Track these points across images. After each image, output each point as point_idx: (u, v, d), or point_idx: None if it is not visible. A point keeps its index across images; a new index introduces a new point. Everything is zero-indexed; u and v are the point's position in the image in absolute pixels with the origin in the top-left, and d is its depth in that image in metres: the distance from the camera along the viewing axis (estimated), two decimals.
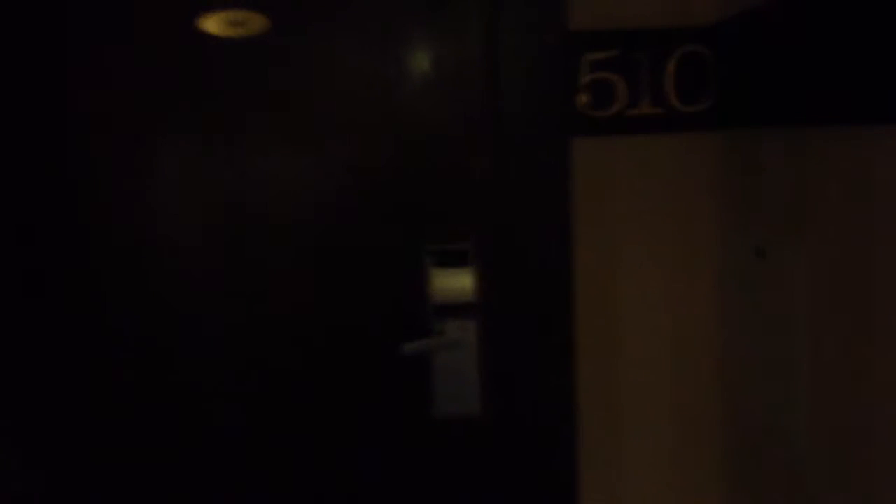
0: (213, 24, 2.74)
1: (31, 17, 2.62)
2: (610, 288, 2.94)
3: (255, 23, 2.74)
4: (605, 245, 2.95)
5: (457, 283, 2.86)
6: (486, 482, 2.73)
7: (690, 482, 2.86)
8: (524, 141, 2.85)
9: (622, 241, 2.96)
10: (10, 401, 2.63)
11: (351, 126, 2.77)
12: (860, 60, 1.81)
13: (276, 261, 2.66)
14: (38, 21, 2.53)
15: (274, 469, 2.67)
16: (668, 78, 2.95)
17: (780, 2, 2.45)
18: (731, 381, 2.79)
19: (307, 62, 2.70)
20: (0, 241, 2.58)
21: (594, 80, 2.93)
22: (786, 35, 2.34)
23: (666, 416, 2.91)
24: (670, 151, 2.99)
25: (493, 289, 2.86)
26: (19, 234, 2.58)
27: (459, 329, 2.69)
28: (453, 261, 2.87)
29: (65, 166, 2.58)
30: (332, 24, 2.71)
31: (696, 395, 2.89)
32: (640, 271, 2.96)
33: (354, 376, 2.74)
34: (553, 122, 2.88)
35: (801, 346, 2.25)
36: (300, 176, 2.64)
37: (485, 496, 2.70)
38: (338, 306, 2.71)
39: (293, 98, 2.73)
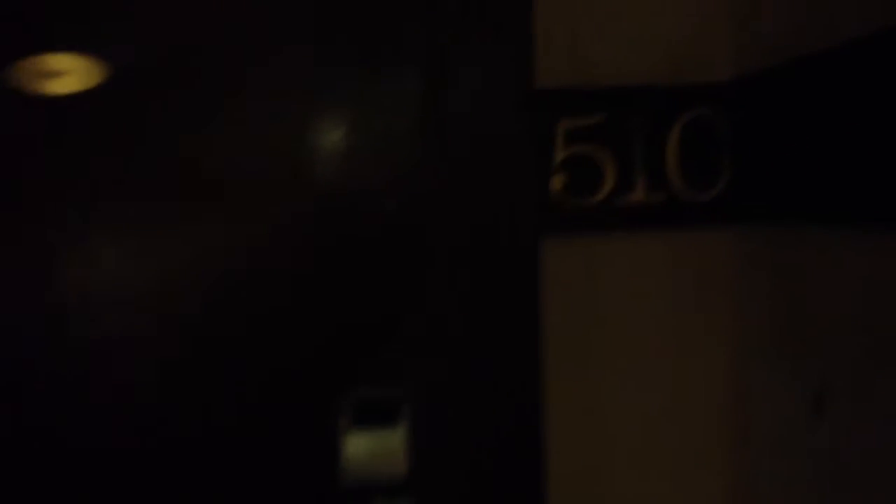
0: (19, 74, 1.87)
1: None
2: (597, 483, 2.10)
3: (79, 74, 1.87)
4: (589, 400, 2.11)
5: (383, 448, 1.98)
6: None
7: None
8: (477, 245, 2.02)
9: (613, 395, 2.12)
10: None
11: (238, 228, 1.90)
12: None
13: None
14: None
15: None
16: (672, 153, 2.17)
17: (823, 55, 1.70)
18: None
19: (196, 131, 1.81)
20: None
21: (572, 156, 2.13)
22: (826, 99, 1.59)
23: None
24: (675, 252, 2.19)
25: (435, 458, 1.98)
26: None
27: None
28: (377, 416, 1.99)
29: None
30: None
31: None
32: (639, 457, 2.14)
33: None
34: (516, 217, 2.06)
35: None
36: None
37: None
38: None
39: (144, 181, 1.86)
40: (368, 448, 1.94)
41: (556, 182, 2.13)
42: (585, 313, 2.17)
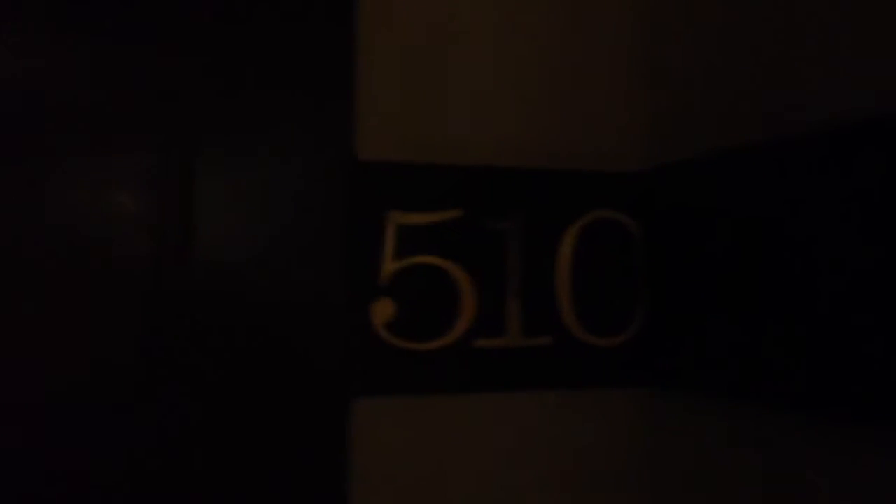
0: None
1: None
2: None
3: None
4: None
5: None
6: None
7: None
8: (262, 411, 1.21)
9: None
10: None
11: None
12: None
13: None
14: None
15: None
16: (562, 269, 1.43)
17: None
18: None
19: None
20: None
21: (410, 270, 1.37)
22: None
23: None
24: (563, 422, 1.44)
25: None
26: None
27: None
28: None
29: None
30: None
31: None
32: None
33: None
34: (317, 369, 1.27)
35: None
36: None
37: None
38: None
39: None
40: None
41: (381, 312, 1.36)
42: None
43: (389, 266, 1.38)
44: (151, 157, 1.31)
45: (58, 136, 1.28)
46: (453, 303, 1.40)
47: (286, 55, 1.37)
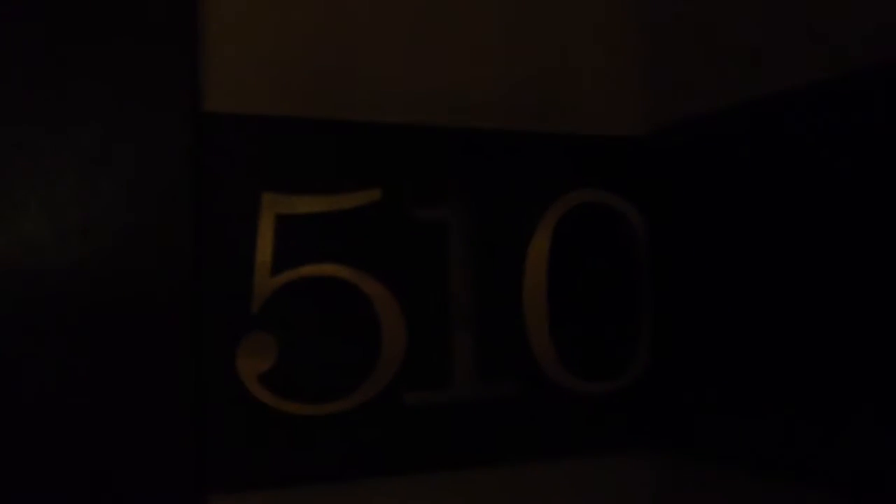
0: None
1: None
2: None
3: None
4: None
5: None
6: None
7: None
8: None
9: None
10: None
11: None
12: None
13: None
14: None
15: None
16: (533, 280, 0.96)
17: None
18: None
19: None
20: None
21: (298, 286, 0.87)
22: None
23: None
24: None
25: None
26: None
27: None
28: None
29: None
30: None
31: None
32: None
33: None
34: (149, 451, 0.77)
35: None
36: None
37: None
38: None
39: None
40: None
41: (253, 357, 0.85)
42: None
43: (266, 281, 0.88)
44: None
45: None
46: (369, 337, 0.91)
47: None
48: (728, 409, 0.93)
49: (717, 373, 0.94)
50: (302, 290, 0.89)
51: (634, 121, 1.05)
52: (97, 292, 0.82)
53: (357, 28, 0.95)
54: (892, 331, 0.75)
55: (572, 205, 1.01)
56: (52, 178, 0.82)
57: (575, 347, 0.99)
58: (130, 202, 0.84)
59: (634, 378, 1.01)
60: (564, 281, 0.99)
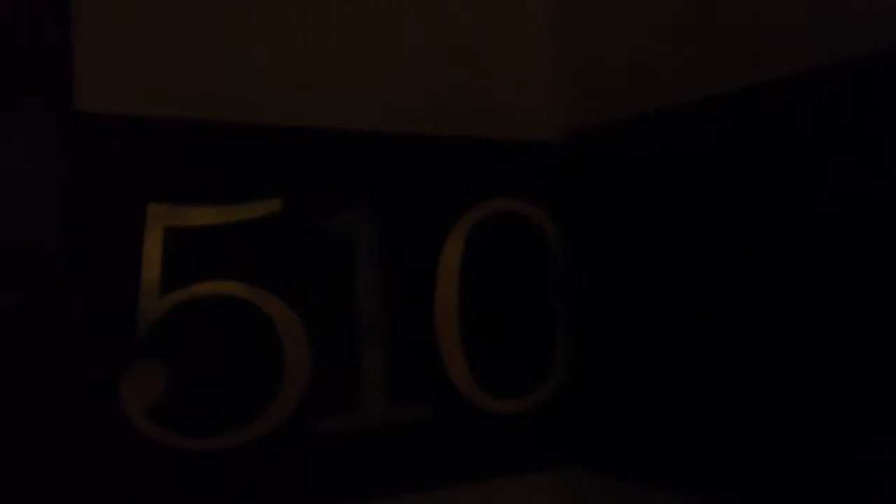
0: None
1: None
2: None
3: None
4: None
5: None
6: None
7: None
8: None
9: None
10: None
11: None
12: None
13: None
14: None
15: None
16: (445, 295, 0.92)
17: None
18: None
19: None
20: None
21: (189, 307, 0.78)
22: None
23: None
24: None
25: None
26: None
27: None
28: None
29: None
30: None
31: None
32: None
33: None
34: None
35: None
36: None
37: None
38: None
39: None
40: None
41: (140, 387, 0.77)
42: None
43: (154, 302, 0.79)
44: None
45: None
46: (270, 361, 0.83)
47: None
48: (646, 425, 0.92)
49: (634, 387, 0.92)
50: (195, 312, 0.81)
51: (549, 127, 1.02)
52: None
53: (252, 23, 0.87)
54: (806, 347, 0.75)
55: (485, 214, 0.97)
56: None
57: (489, 365, 0.95)
58: None
59: (551, 395, 0.98)
60: (478, 295, 0.95)
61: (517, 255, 0.99)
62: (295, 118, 0.89)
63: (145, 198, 0.79)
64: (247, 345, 0.83)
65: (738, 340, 0.81)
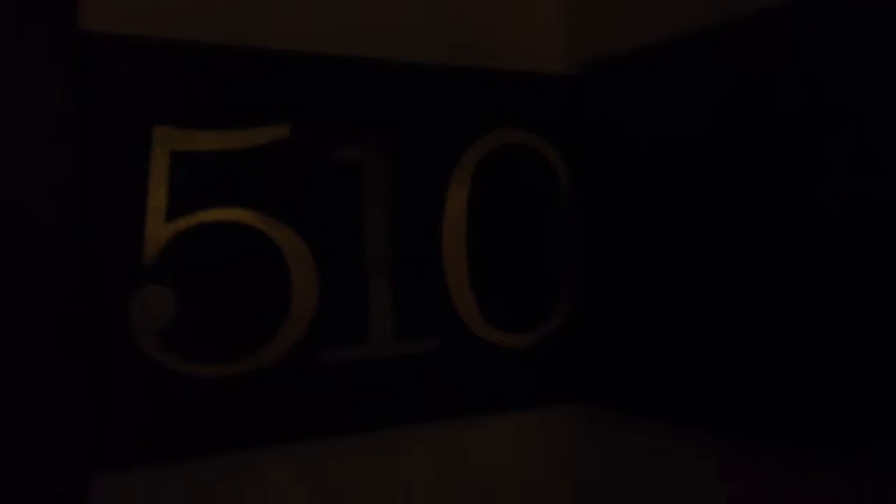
0: None
1: None
2: None
3: None
4: None
5: None
6: None
7: None
8: None
9: None
10: None
11: None
12: None
13: None
14: None
15: None
16: (453, 225, 0.92)
17: None
18: None
19: None
20: None
21: (196, 233, 0.77)
22: None
23: None
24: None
25: None
26: None
27: None
28: None
29: None
30: None
31: None
32: None
33: None
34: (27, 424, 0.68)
35: None
36: None
37: None
38: None
39: None
40: None
41: (149, 312, 0.77)
42: None
43: (160, 228, 0.78)
44: None
45: None
46: (279, 289, 0.83)
47: None
48: (650, 360, 0.92)
49: (638, 323, 0.92)
50: (202, 238, 0.80)
51: (563, 58, 1.01)
52: None
53: None
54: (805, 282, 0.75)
55: (493, 146, 0.96)
56: None
57: (496, 298, 0.95)
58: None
59: (556, 330, 0.98)
60: (485, 227, 0.94)
61: (525, 189, 0.98)
62: (305, 44, 0.87)
63: (152, 121, 0.78)
64: (254, 272, 0.83)
65: (742, 276, 0.80)
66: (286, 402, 0.84)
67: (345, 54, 0.88)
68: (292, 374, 0.83)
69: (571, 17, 1.02)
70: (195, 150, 0.79)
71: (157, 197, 0.78)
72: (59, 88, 0.75)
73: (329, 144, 0.87)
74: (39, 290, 0.73)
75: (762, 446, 0.81)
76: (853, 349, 0.71)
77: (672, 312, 0.88)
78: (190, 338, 0.78)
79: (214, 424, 0.80)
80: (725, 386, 0.83)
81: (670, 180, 0.89)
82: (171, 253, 0.79)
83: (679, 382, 0.88)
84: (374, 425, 0.89)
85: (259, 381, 0.82)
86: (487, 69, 0.96)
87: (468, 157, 0.94)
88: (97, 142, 0.76)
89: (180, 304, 0.78)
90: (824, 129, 0.73)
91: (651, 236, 0.90)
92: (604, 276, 0.97)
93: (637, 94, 0.93)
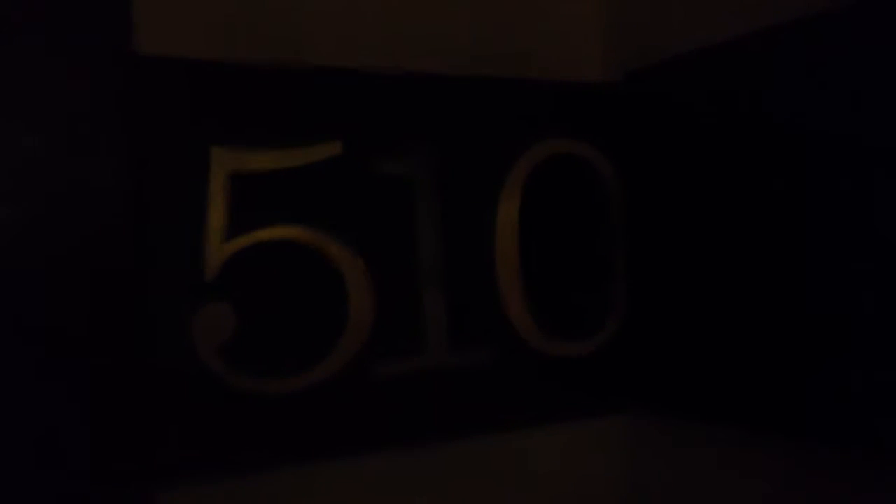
0: None
1: None
2: None
3: None
4: None
5: None
6: None
7: None
8: None
9: None
10: None
11: None
12: None
13: None
14: None
15: None
16: (505, 236, 0.93)
17: None
18: None
19: None
20: None
21: (254, 252, 0.80)
22: None
23: None
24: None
25: None
26: None
27: None
28: None
29: None
30: None
31: None
32: None
33: None
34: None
35: None
36: None
37: None
38: None
39: None
40: None
41: (211, 328, 0.78)
42: None
43: (219, 247, 0.80)
44: None
45: None
46: (334, 303, 0.84)
47: None
48: (704, 365, 0.92)
49: (692, 327, 0.92)
50: (259, 256, 0.82)
51: (604, 66, 1.01)
52: (18, 258, 0.72)
53: None
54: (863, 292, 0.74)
55: (543, 156, 0.96)
56: None
57: (550, 307, 0.95)
58: (55, 159, 0.74)
59: (610, 338, 0.99)
60: (537, 237, 0.95)
61: (574, 197, 0.99)
62: (351, 59, 0.88)
63: (208, 142, 0.80)
64: (311, 288, 0.84)
65: (796, 281, 0.80)
66: (343, 416, 0.85)
67: (394, 69, 0.89)
68: (349, 388, 0.85)
69: (612, 25, 1.02)
70: (251, 171, 0.81)
71: (216, 216, 0.80)
72: (114, 111, 0.77)
73: (380, 159, 0.88)
74: (97, 306, 0.75)
75: (834, 453, 0.81)
76: None
77: (725, 318, 0.88)
78: (249, 353, 0.80)
79: (273, 439, 0.82)
80: (784, 391, 0.83)
81: (714, 183, 0.89)
82: (229, 271, 0.80)
83: (735, 388, 0.88)
84: (430, 438, 0.91)
85: (315, 395, 0.83)
86: (532, 79, 0.97)
87: (518, 166, 0.94)
88: (155, 164, 0.78)
89: (240, 321, 0.80)
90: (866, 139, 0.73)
91: (700, 240, 0.90)
92: (654, 281, 0.97)
93: (679, 99, 0.93)
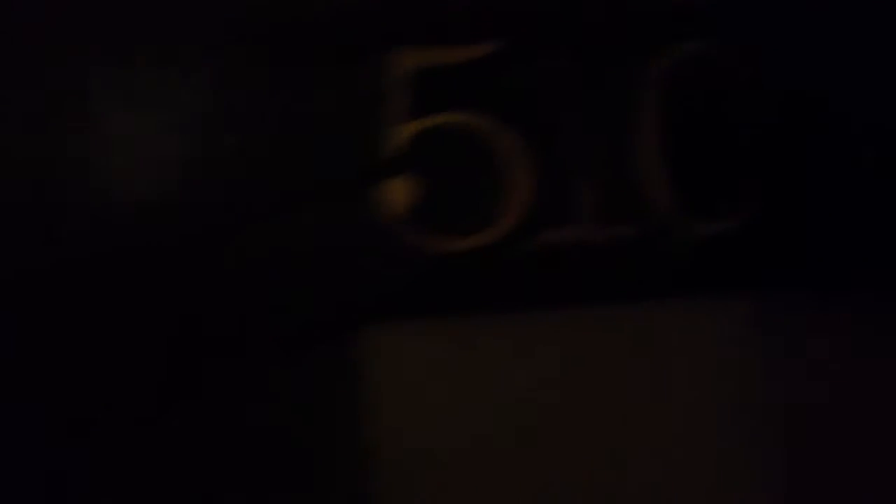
0: None
1: None
2: None
3: None
4: None
5: None
6: None
7: None
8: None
9: None
10: None
11: None
12: None
13: None
14: None
15: None
16: (646, 123, 1.04)
17: None
18: None
19: None
20: None
21: (432, 133, 0.96)
22: None
23: None
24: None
25: None
26: None
27: None
28: None
29: None
30: None
31: None
32: None
33: None
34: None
35: None
36: None
37: None
38: None
39: None
40: None
41: (397, 196, 0.95)
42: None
43: (404, 127, 0.96)
44: None
45: None
46: (498, 180, 0.99)
47: None
48: (842, 242, 1.00)
49: (832, 200, 1.00)
50: (435, 138, 0.97)
51: None
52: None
53: None
54: None
55: (678, 54, 1.06)
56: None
57: (688, 187, 1.06)
58: None
59: (748, 217, 1.08)
60: (675, 121, 1.05)
61: (713, 91, 1.08)
62: None
63: (394, 42, 0.96)
64: (478, 168, 0.98)
65: None
66: (509, 275, 1.00)
67: None
68: (514, 250, 0.99)
69: None
70: (432, 65, 0.96)
71: (404, 101, 0.95)
72: None
73: (535, 57, 1.01)
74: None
75: None
76: None
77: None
78: (433, 217, 0.96)
79: (448, 289, 0.98)
80: None
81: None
82: (409, 151, 0.96)
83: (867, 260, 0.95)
84: (578, 302, 1.03)
85: (486, 254, 0.98)
86: None
87: (655, 61, 1.05)
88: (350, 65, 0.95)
89: (418, 192, 0.96)
90: None
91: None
92: (794, 160, 1.05)
93: None
